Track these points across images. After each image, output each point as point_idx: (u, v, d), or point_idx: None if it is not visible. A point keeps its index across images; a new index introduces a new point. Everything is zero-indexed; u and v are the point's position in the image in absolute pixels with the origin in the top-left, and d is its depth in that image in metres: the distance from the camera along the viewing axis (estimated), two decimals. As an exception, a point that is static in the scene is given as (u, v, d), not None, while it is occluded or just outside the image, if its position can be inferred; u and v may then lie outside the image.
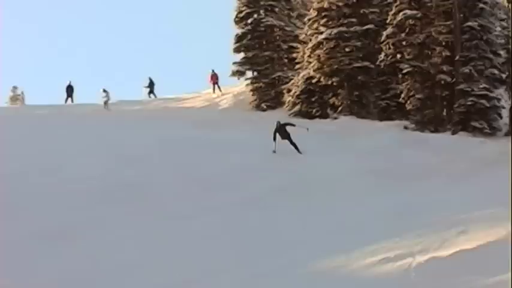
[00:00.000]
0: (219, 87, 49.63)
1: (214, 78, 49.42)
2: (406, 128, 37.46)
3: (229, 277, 15.77)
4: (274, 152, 30.44)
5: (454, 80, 37.25)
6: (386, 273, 14.30)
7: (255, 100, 46.12)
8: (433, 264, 14.13)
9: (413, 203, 21.80)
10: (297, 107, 41.55)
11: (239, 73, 47.56)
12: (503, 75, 38.04)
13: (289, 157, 30.13)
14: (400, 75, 39.14)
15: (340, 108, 40.74)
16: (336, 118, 39.96)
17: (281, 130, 31.09)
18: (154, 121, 38.81)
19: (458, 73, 37.01)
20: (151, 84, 51.29)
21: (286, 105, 42.83)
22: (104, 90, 45.50)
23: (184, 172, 27.23)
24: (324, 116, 40.81)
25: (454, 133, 36.18)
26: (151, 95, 51.34)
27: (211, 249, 18.47)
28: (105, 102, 45.06)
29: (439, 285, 12.73)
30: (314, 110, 41.02)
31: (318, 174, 27.06)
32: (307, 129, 31.48)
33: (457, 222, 17.74)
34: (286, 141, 31.08)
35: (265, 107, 45.29)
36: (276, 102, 45.16)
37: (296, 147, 30.79)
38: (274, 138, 30.81)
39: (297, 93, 41.82)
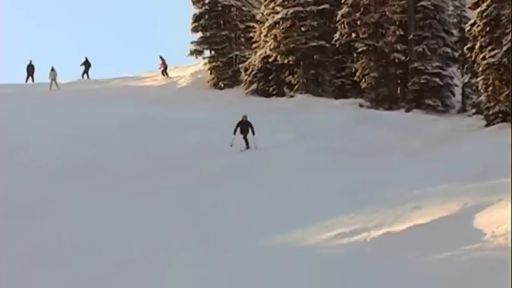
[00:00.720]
0: (167, 73, 49.16)
1: (164, 64, 49.09)
2: (361, 105, 37.85)
3: (188, 253, 15.92)
4: (231, 145, 28.90)
5: (407, 58, 37.70)
6: (342, 247, 14.56)
7: (213, 79, 46.20)
8: (387, 238, 14.44)
9: (368, 179, 22.08)
10: (254, 86, 41.75)
11: (197, 52, 47.59)
12: (456, 54, 38.56)
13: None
14: (355, 54, 39.47)
15: (296, 87, 40.96)
16: (292, 96, 40.19)
17: (245, 124, 29.91)
18: (113, 100, 38.67)
19: (412, 52, 37.45)
20: (86, 65, 50.77)
21: (244, 83, 43.02)
22: (52, 69, 45.41)
23: (143, 150, 27.38)
24: (281, 94, 41.05)
25: (408, 110, 36.66)
26: (85, 75, 50.83)
27: (170, 226, 18.68)
28: (53, 80, 44.88)
29: (394, 259, 12.93)
30: (271, 89, 41.24)
31: (274, 152, 27.33)
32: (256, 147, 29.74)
33: (411, 197, 18.09)
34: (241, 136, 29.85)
35: (222, 85, 45.40)
36: (233, 81, 45.33)
37: (247, 144, 29.76)
38: (235, 132, 29.53)
39: (254, 72, 41.98)
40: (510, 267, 8.11)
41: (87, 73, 50.64)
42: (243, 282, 13.11)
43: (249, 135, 29.59)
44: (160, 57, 49.15)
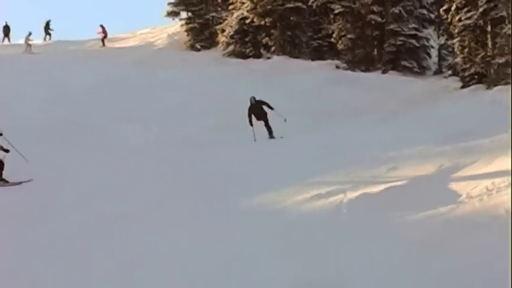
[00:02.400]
0: (103, 42, 48.47)
1: (104, 33, 48.50)
2: (337, 67, 37.91)
3: (162, 213, 15.91)
4: (255, 140, 24.53)
5: (384, 20, 37.70)
6: (318, 209, 14.55)
7: (190, 40, 46.11)
8: (363, 200, 14.43)
9: (344, 141, 22.13)
10: (231, 47, 41.70)
11: (174, 13, 47.50)
12: (432, 16, 38.60)
13: (223, 96, 30.26)
14: (331, 16, 39.45)
15: (273, 48, 40.94)
16: (269, 58, 40.17)
17: (256, 108, 25.46)
18: (90, 61, 38.55)
19: (388, 13, 37.46)
20: (6, 29, 50.57)
21: (220, 45, 42.95)
22: (30, 34, 45.45)
23: (120, 111, 27.34)
24: (258, 55, 41.02)
25: (384, 72, 36.76)
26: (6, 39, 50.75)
27: (145, 185, 18.70)
28: (27, 43, 44.75)
29: (370, 221, 12.98)
30: (247, 50, 41.19)
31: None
32: (285, 120, 25.02)
33: (387, 159, 18.16)
34: (262, 122, 25.66)
35: (199, 47, 45.32)
36: (210, 43, 45.26)
37: (270, 131, 25.25)
38: (250, 121, 25.15)
39: (231, 33, 41.91)
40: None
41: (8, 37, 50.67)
42: (217, 244, 13.14)
43: (269, 115, 25.49)
44: (101, 26, 48.59)
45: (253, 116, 25.22)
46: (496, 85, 28.21)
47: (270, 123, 25.28)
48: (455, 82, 32.55)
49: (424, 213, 12.58)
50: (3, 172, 20.22)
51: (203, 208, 16.17)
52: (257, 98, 25.48)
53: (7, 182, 20.07)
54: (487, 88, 28.76)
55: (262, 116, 25.34)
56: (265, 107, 25.52)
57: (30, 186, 19.14)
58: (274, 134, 24.84)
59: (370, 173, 17.00)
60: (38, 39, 48.47)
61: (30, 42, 44.93)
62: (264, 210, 15.26)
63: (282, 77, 33.70)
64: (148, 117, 27.11)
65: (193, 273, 11.71)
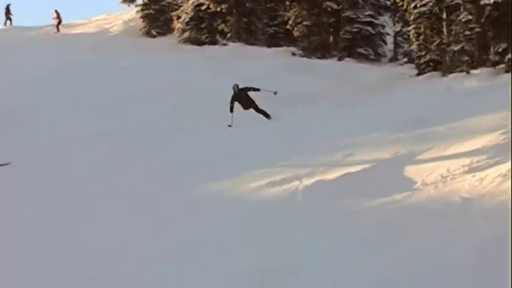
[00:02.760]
0: (58, 28, 47.91)
1: (58, 19, 47.93)
2: (293, 54, 37.88)
3: (116, 200, 15.73)
4: (230, 126, 23.86)
5: (340, 7, 37.71)
6: (273, 196, 14.55)
7: (145, 27, 45.86)
8: (319, 187, 14.44)
9: (300, 128, 22.13)
10: (187, 34, 41.48)
11: (129, 0, 47.30)
12: (388, 3, 38.73)
13: (178, 82, 30.08)
14: (287, 3, 39.43)
15: (229, 35, 40.81)
16: (225, 44, 40.02)
17: (241, 96, 24.69)
18: (45, 47, 38.12)
19: (345, 0, 37.45)
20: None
21: (176, 32, 42.70)
22: None
23: (75, 98, 27.05)
24: (213, 42, 40.84)
25: (340, 59, 36.80)
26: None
27: (99, 172, 18.47)
28: None
29: (325, 207, 12.97)
30: (203, 37, 40.99)
31: (207, 99, 27.13)
32: (275, 92, 24.98)
33: (343, 146, 18.16)
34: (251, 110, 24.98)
35: (155, 33, 45.09)
36: (165, 29, 45.03)
37: (265, 114, 24.69)
38: (232, 109, 24.40)
39: (187, 20, 41.67)
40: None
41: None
42: (172, 231, 13.04)
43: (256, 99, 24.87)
44: (56, 11, 48.06)
45: (239, 105, 24.49)
46: (451, 72, 28.37)
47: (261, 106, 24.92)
48: (410, 69, 32.70)
49: (379, 200, 12.57)
50: None
51: (158, 195, 16.03)
52: (240, 86, 24.97)
53: None
54: (442, 75, 28.92)
55: (250, 104, 24.62)
56: (251, 93, 24.86)
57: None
58: (255, 118, 24.52)
59: (325, 159, 17.01)
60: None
61: None
62: (219, 198, 15.20)
63: (238, 63, 33.56)
64: (104, 104, 26.84)
65: (149, 261, 11.58)
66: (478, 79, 25.94)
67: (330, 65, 35.04)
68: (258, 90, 24.58)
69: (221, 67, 33.06)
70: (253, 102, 24.50)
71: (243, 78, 29.75)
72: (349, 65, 35.14)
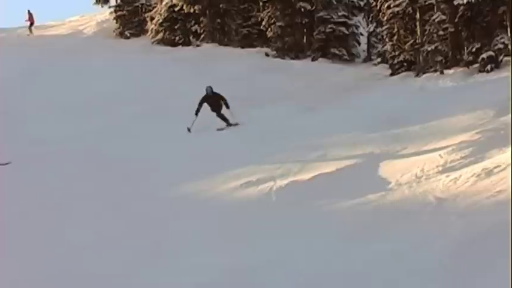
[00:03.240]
0: (31, 29, 47.46)
1: (31, 20, 47.53)
2: (267, 55, 37.84)
3: (90, 203, 15.61)
4: (189, 130, 23.26)
5: (313, 7, 37.69)
6: (248, 196, 14.55)
7: (119, 28, 45.72)
8: (293, 187, 14.46)
9: (274, 128, 22.11)
10: (160, 35, 41.41)
11: (103, 1, 47.15)
12: (361, 3, 38.81)
13: (151, 84, 29.99)
14: (261, 3, 39.37)
15: (202, 36, 40.74)
16: (198, 45, 39.95)
17: (213, 99, 24.00)
18: (17, 49, 37.89)
19: (318, 1, 37.45)
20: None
21: (150, 33, 42.59)
22: None
23: (47, 100, 26.91)
24: (187, 43, 40.78)
25: (314, 60, 36.78)
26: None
27: (73, 175, 18.31)
28: None
29: (299, 208, 12.98)
30: (177, 38, 40.93)
31: (179, 101, 27.01)
32: (236, 123, 23.77)
33: (317, 146, 18.15)
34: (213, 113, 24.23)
35: (128, 34, 44.97)
36: (139, 30, 44.92)
37: (226, 120, 23.86)
38: (198, 111, 23.65)
39: (160, 21, 41.59)
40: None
41: None
42: (147, 232, 12.97)
43: (224, 110, 24.06)
44: (28, 12, 47.71)
45: (207, 105, 23.83)
46: (425, 72, 28.45)
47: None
48: (384, 69, 32.77)
49: (353, 200, 12.58)
50: None
51: (132, 196, 15.95)
52: (214, 90, 24.12)
53: None
54: (416, 75, 29.00)
55: (217, 108, 23.85)
56: (222, 102, 24.01)
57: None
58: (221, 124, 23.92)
59: (299, 160, 17.00)
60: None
61: None
62: (195, 198, 15.17)
63: (211, 64, 33.49)
64: (76, 105, 26.69)
65: (125, 259, 11.52)
66: (452, 79, 26.04)
67: (303, 65, 35.04)
68: (228, 107, 23.78)
69: (194, 68, 32.95)
70: (220, 107, 23.88)
71: (217, 79, 29.67)
72: (323, 65, 35.15)
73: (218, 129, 23.15)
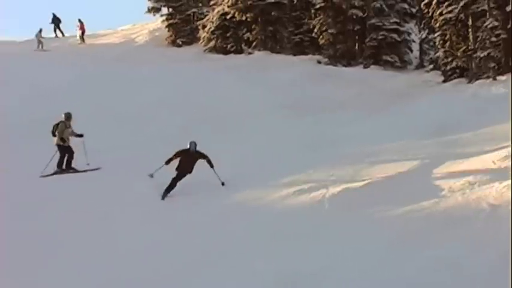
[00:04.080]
0: (83, 38, 47.87)
1: (82, 28, 47.92)
2: (319, 62, 37.79)
3: (144, 209, 16.06)
4: (152, 176, 18.10)
5: (365, 14, 37.64)
6: (301, 204, 14.65)
7: (171, 36, 46.03)
8: (345, 194, 14.50)
9: (326, 136, 22.11)
10: (212, 43, 41.59)
11: (155, 9, 47.49)
12: (414, 10, 38.62)
13: (203, 92, 30.08)
14: (312, 11, 39.38)
15: (254, 44, 40.83)
16: (250, 53, 40.02)
17: (192, 157, 18.46)
18: (71, 58, 38.37)
19: (370, 8, 37.39)
20: (56, 20, 50.16)
21: (202, 41, 42.78)
22: (40, 30, 45.43)
23: (99, 108, 27.17)
24: (239, 51, 40.87)
25: (365, 67, 36.69)
26: (58, 31, 50.31)
27: (125, 181, 18.62)
28: (39, 40, 44.64)
29: (352, 215, 13.03)
30: (229, 46, 41.07)
31: (232, 108, 27.17)
32: (223, 183, 17.85)
33: (369, 153, 18.17)
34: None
35: (180, 42, 45.23)
36: (191, 39, 45.14)
37: (168, 189, 17.85)
38: (170, 160, 18.29)
39: (212, 29, 41.77)
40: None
41: (59, 28, 50.41)
42: (201, 238, 13.15)
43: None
44: (79, 20, 48.20)
45: (181, 162, 18.36)
46: (477, 79, 28.23)
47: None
48: (436, 76, 32.57)
49: (406, 207, 12.59)
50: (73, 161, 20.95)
51: (188, 204, 16.39)
52: (198, 148, 18.70)
53: (77, 170, 20.69)
54: (469, 82, 28.78)
55: (190, 170, 18.32)
56: (203, 161, 18.47)
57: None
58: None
59: (351, 167, 17.00)
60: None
61: (41, 39, 44.74)
62: (250, 206, 15.37)
63: (263, 72, 33.55)
64: (128, 114, 26.91)
65: (175, 266, 11.75)
66: (504, 85, 25.79)
67: (355, 72, 34.95)
68: (211, 166, 18.32)
69: (246, 76, 33.03)
70: (191, 170, 18.33)
71: (269, 87, 29.88)
72: (375, 72, 35.03)
73: (150, 175, 18.17)
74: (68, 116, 21.42)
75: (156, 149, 21.53)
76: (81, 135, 21.27)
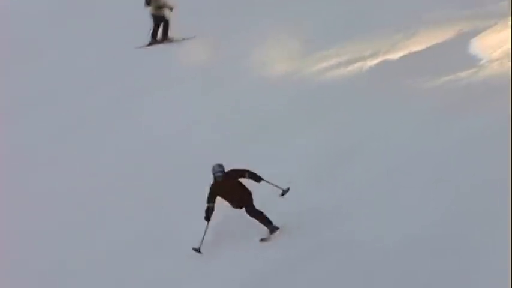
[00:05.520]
0: None
1: None
2: None
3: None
4: (199, 251, 11.72)
5: None
6: (338, 77, 14.74)
7: None
8: (383, 66, 14.52)
9: (362, 9, 21.74)
10: None
11: None
12: None
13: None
14: None
15: None
16: None
17: (227, 186, 11.68)
18: None
19: None
20: None
21: None
22: None
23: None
24: None
25: None
26: None
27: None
28: None
29: (390, 87, 13.07)
30: None
31: None
32: (286, 190, 11.48)
33: (406, 25, 17.88)
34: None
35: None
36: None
37: (269, 222, 11.47)
38: (209, 214, 11.70)
39: None
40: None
41: None
42: (247, 110, 13.34)
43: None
44: None
45: (226, 200, 11.78)
46: None
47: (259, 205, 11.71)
48: None
49: (443, 78, 12.64)
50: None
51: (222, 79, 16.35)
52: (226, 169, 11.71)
53: (172, 39, 20.30)
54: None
55: (245, 200, 11.69)
56: (243, 180, 11.80)
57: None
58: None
59: (389, 39, 16.81)
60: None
61: None
62: (286, 80, 15.39)
63: None
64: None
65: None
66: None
67: None
68: (259, 179, 11.68)
69: None
70: (250, 195, 11.68)
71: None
72: None
73: (195, 250, 11.78)
74: None
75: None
76: (171, 9, 20.14)
